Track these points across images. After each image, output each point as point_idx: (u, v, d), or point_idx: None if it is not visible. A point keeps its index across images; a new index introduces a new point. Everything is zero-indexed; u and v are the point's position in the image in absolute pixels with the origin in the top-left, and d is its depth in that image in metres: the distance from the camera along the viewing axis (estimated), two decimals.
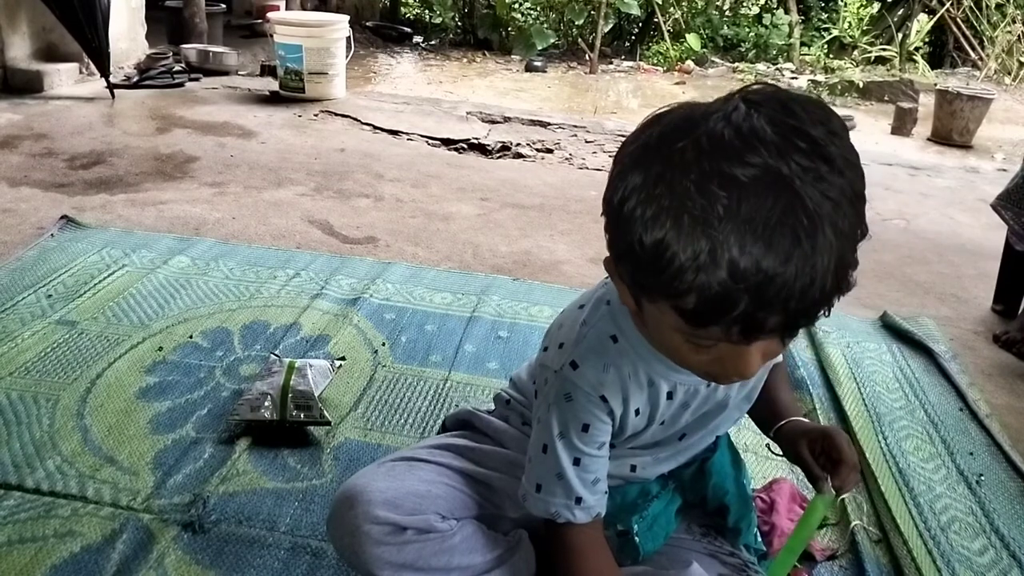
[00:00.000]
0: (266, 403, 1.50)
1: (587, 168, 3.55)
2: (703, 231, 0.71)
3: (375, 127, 3.92)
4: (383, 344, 1.87)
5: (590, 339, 0.96)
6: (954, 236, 3.11)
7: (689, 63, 7.10)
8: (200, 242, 2.36)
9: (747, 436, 1.58)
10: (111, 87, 3.96)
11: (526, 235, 2.71)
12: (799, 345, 2.01)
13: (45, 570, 1.16)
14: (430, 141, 3.79)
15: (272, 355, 1.72)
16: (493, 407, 1.25)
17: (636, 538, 1.09)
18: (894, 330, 2.16)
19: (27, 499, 1.30)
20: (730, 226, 0.70)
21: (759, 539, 1.22)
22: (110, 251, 2.23)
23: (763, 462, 1.53)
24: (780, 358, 1.17)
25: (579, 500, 0.98)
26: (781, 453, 1.10)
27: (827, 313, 0.77)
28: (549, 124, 4.25)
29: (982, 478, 1.56)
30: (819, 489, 1.03)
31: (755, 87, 0.77)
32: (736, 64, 7.17)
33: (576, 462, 0.97)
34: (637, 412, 0.99)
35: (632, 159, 0.77)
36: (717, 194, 0.70)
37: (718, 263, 0.70)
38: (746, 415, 1.20)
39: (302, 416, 1.50)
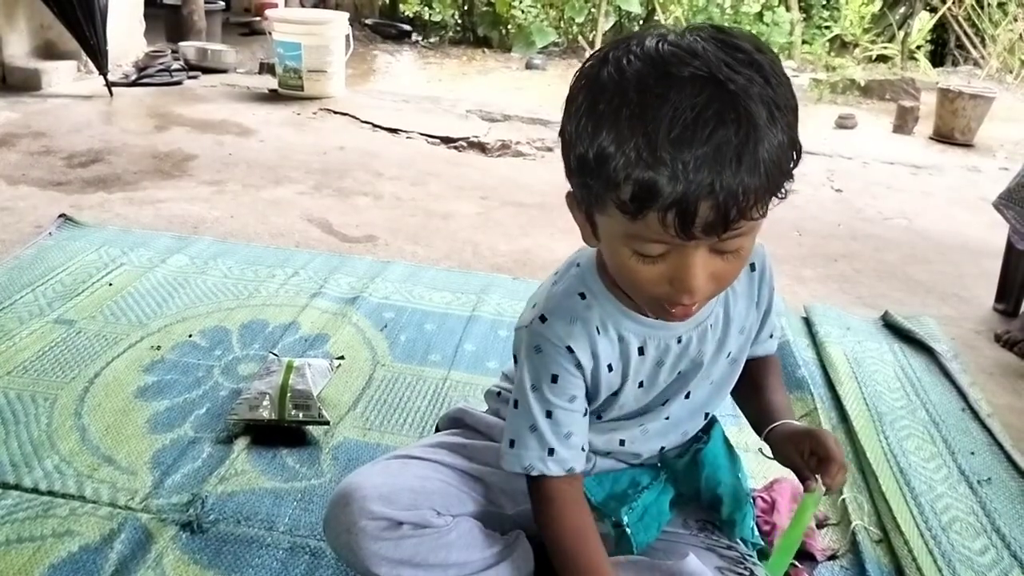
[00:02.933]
0: (264, 402, 1.50)
1: None
2: (638, 120, 0.76)
3: (374, 125, 3.91)
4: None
5: (558, 295, 1.00)
6: (956, 235, 3.11)
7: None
8: (198, 241, 2.35)
9: (748, 436, 1.57)
10: (109, 85, 3.96)
11: (526, 233, 2.70)
12: (800, 345, 2.01)
13: (43, 569, 1.16)
14: (430, 139, 3.78)
15: (271, 354, 1.71)
16: (487, 406, 1.25)
17: (628, 529, 1.09)
18: (895, 329, 2.15)
19: (25, 498, 1.30)
20: (661, 112, 0.75)
21: (756, 533, 1.21)
22: (108, 250, 2.22)
23: (764, 462, 1.51)
24: (773, 350, 1.18)
25: (551, 451, 0.99)
26: (772, 456, 1.11)
27: (763, 213, 0.80)
28: (549, 122, 4.24)
29: (988, 480, 1.56)
30: (808, 488, 1.04)
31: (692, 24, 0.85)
32: None
33: (548, 414, 0.99)
34: (610, 368, 1.00)
35: (579, 84, 0.84)
36: (652, 88, 0.76)
37: (651, 147, 0.75)
38: (749, 426, 1.20)
39: (301, 415, 1.49)
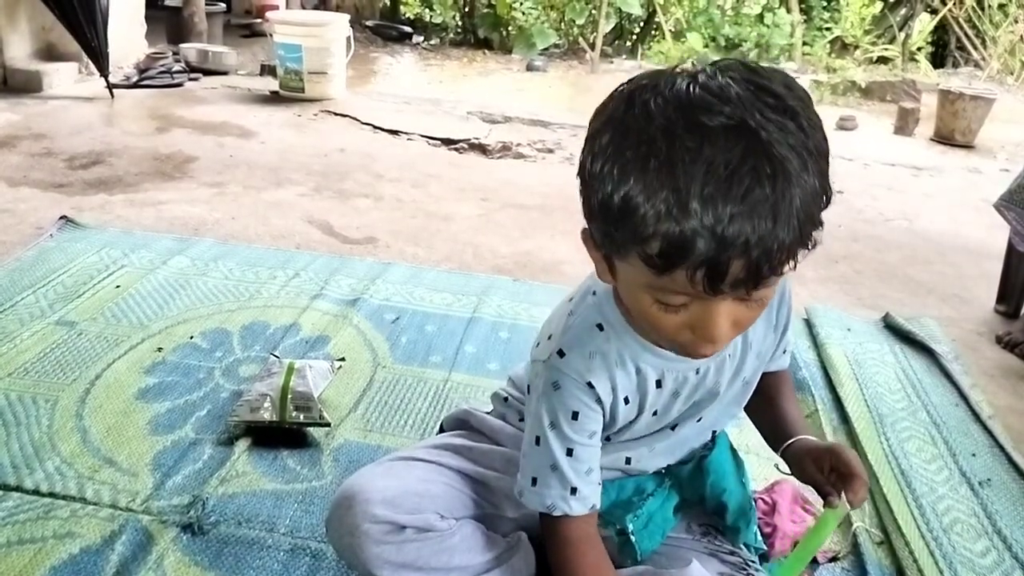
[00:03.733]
0: (265, 404, 1.50)
1: None
2: (668, 174, 0.73)
3: (375, 127, 3.92)
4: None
5: (576, 328, 0.97)
6: (957, 236, 3.11)
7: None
8: (199, 242, 2.35)
9: (749, 437, 1.57)
10: (110, 87, 3.96)
11: (527, 235, 2.70)
12: (801, 347, 2.00)
13: (44, 571, 1.16)
14: (430, 141, 3.78)
15: (271, 356, 1.71)
16: (491, 407, 1.24)
17: (632, 536, 1.09)
18: (896, 331, 2.15)
19: (26, 500, 1.30)
20: (694, 168, 0.72)
21: (759, 538, 1.21)
22: (109, 251, 2.22)
23: (765, 464, 1.52)
24: (786, 365, 1.17)
25: (574, 491, 0.98)
26: (790, 472, 1.10)
27: (793, 267, 0.78)
28: (550, 124, 4.24)
29: (989, 481, 1.55)
30: (830, 504, 1.02)
31: (722, 59, 0.80)
32: None
33: (569, 452, 0.97)
34: (627, 400, 0.99)
35: (602, 122, 0.80)
36: (683, 138, 0.73)
37: (681, 203, 0.72)
38: (754, 429, 1.20)
39: (302, 417, 1.49)
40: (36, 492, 1.32)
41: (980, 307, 2.44)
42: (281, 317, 1.95)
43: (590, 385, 0.96)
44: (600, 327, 0.97)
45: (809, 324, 2.14)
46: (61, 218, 2.42)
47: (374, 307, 2.03)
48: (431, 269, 2.32)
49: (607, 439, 1.06)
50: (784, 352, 1.16)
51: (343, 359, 1.77)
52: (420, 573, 1.02)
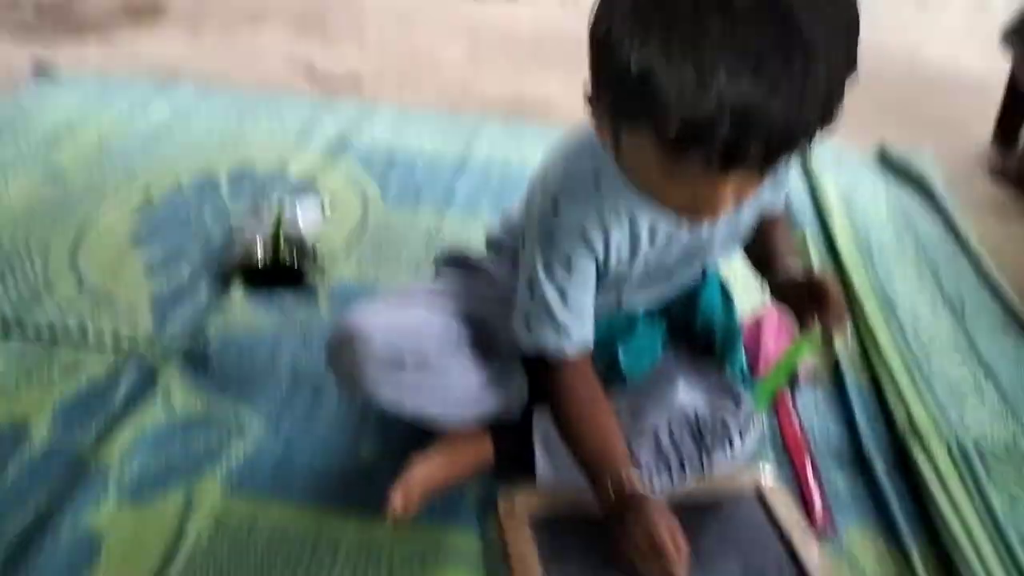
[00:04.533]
0: (258, 247, 1.50)
1: (583, 5, 3.40)
2: (692, 55, 0.69)
3: None
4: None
5: (571, 175, 0.96)
6: (959, 68, 3.03)
7: None
8: (180, 88, 2.28)
9: (738, 266, 1.60)
10: None
11: (518, 74, 2.63)
12: (793, 179, 2.00)
13: (54, 407, 1.20)
14: None
15: (261, 200, 1.71)
16: (485, 248, 1.25)
17: (621, 365, 1.13)
18: (891, 163, 2.14)
19: (29, 343, 1.33)
20: (720, 50, 0.69)
21: (744, 365, 1.25)
22: (88, 99, 2.16)
23: (752, 292, 1.55)
24: (781, 207, 1.17)
25: (568, 334, 1.00)
26: (772, 300, 1.12)
27: (809, 147, 0.77)
28: None
29: (973, 309, 1.59)
30: (806, 330, 1.05)
31: None
32: None
33: (562, 298, 0.99)
34: (620, 250, 1.00)
35: None
36: (710, 17, 0.69)
37: (705, 86, 0.69)
38: (739, 256, 1.21)
39: (295, 259, 1.50)
40: (38, 335, 1.34)
41: (976, 138, 2.41)
42: (268, 160, 1.93)
43: (584, 234, 0.96)
44: (595, 175, 0.95)
45: (802, 157, 2.12)
46: (35, 66, 2.34)
47: (362, 150, 2.01)
48: (419, 110, 2.27)
49: (597, 286, 1.07)
50: (782, 192, 1.16)
51: (333, 203, 1.76)
52: (419, 402, 1.06)
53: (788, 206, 1.84)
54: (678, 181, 0.81)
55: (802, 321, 1.05)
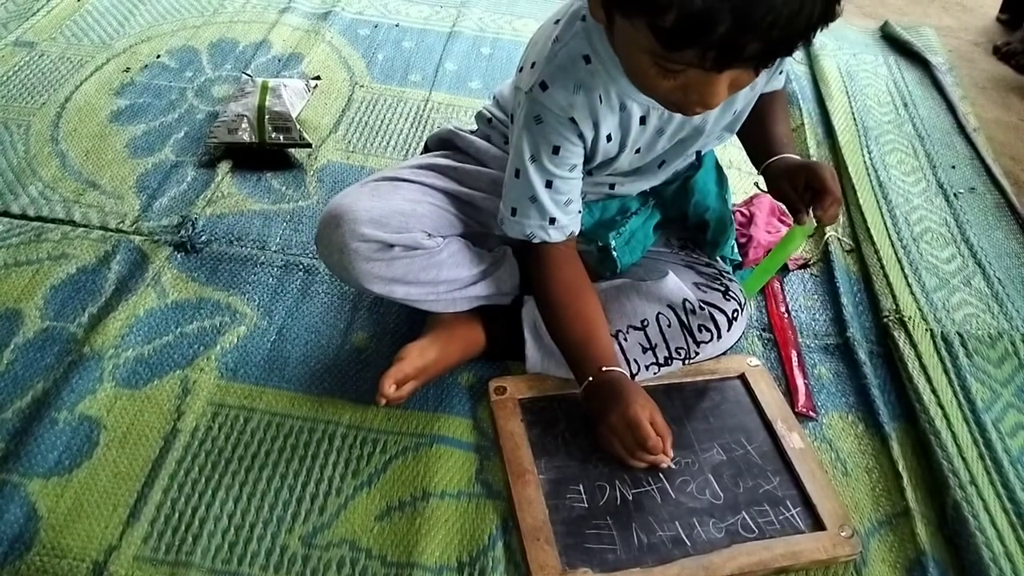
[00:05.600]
0: (243, 125, 1.46)
1: None
2: None
3: None
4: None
5: (561, 58, 0.93)
6: None
7: None
8: None
9: (732, 152, 1.57)
10: None
11: None
12: (793, 58, 1.94)
13: (45, 291, 1.20)
14: None
15: (244, 75, 1.65)
16: (476, 127, 1.22)
17: (614, 252, 1.13)
18: (893, 41, 2.08)
19: (15, 224, 1.31)
20: None
21: (735, 250, 1.26)
22: None
23: (745, 178, 1.54)
24: (780, 86, 1.14)
25: (553, 220, 1.00)
26: (767, 190, 1.10)
27: (807, 44, 0.75)
28: None
29: (964, 192, 1.58)
30: (799, 220, 1.04)
31: None
32: None
33: (548, 184, 0.98)
34: (609, 138, 0.98)
35: None
36: None
37: None
38: (737, 144, 1.19)
39: (281, 138, 1.47)
40: (24, 216, 1.32)
41: (982, 16, 2.34)
42: (250, 33, 1.85)
43: (572, 120, 0.94)
44: (587, 59, 0.92)
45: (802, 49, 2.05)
46: None
47: (347, 21, 1.93)
48: None
49: (588, 173, 1.05)
50: (781, 73, 1.12)
51: (318, 77, 1.70)
52: (410, 286, 1.05)
53: (786, 85, 1.80)
54: (671, 75, 0.79)
55: (796, 211, 1.05)
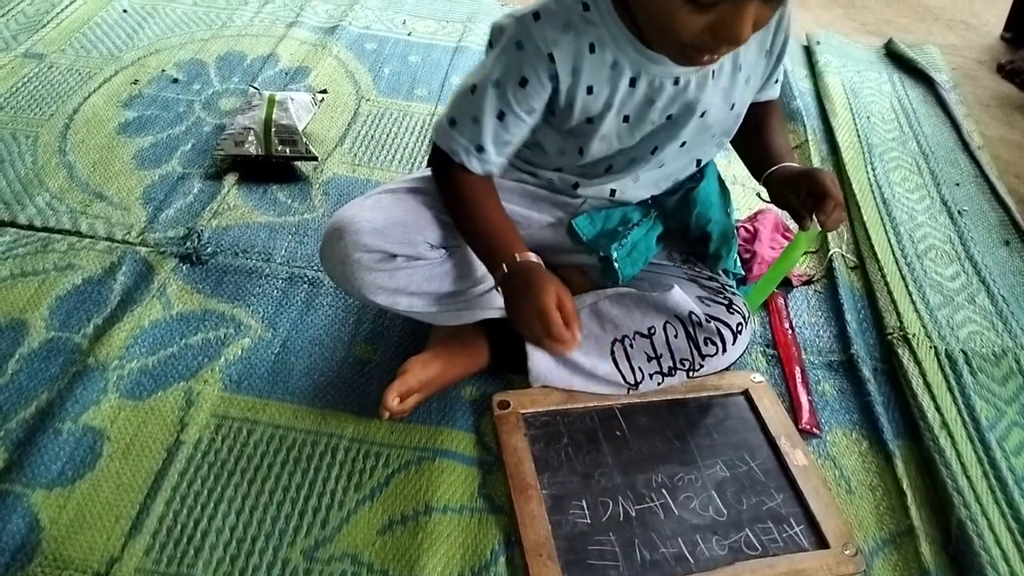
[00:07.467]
0: (250, 138, 1.47)
1: None
2: None
3: None
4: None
5: (560, 1, 0.94)
6: None
7: None
8: None
9: (736, 168, 1.58)
10: None
11: None
12: (798, 75, 1.95)
13: (51, 301, 1.20)
14: None
15: (251, 88, 1.66)
16: None
17: (616, 263, 1.13)
18: (897, 58, 2.09)
19: (22, 235, 1.31)
20: None
21: (738, 264, 1.26)
22: None
23: (749, 194, 1.54)
24: (776, 95, 1.14)
25: (480, 149, 0.99)
26: (770, 200, 1.10)
27: None
28: None
29: (968, 211, 1.59)
30: (803, 226, 1.04)
31: None
32: None
33: (500, 115, 0.97)
34: (590, 90, 0.97)
35: None
36: None
37: None
38: (738, 159, 1.19)
39: (287, 151, 1.48)
40: (31, 227, 1.33)
41: (986, 34, 2.35)
42: (257, 47, 1.86)
43: (551, 57, 0.94)
44: (585, 6, 0.93)
45: (808, 51, 2.06)
46: None
47: (354, 35, 1.94)
48: None
49: (580, 152, 1.05)
50: (776, 82, 1.13)
51: (325, 91, 1.71)
52: (413, 298, 1.06)
53: (789, 101, 1.81)
54: (704, 11, 0.80)
55: (799, 218, 1.04)
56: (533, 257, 0.99)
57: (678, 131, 1.04)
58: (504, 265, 0.98)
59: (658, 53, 0.94)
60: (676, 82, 0.98)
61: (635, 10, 0.89)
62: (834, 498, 1.02)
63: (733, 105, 1.05)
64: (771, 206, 1.21)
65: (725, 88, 1.02)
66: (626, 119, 1.01)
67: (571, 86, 0.96)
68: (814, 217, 1.03)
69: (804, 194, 1.03)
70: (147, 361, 1.12)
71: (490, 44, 1.00)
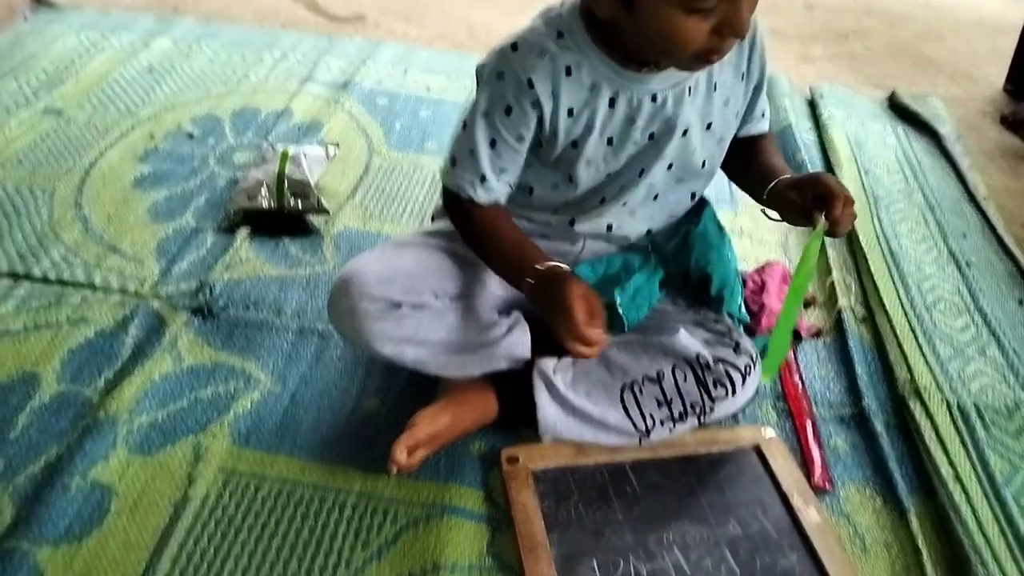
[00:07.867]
0: (262, 192, 1.49)
1: None
2: None
3: None
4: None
5: (535, 30, 1.00)
6: (972, 10, 2.95)
7: None
8: (180, 22, 2.24)
9: (743, 221, 1.59)
10: None
11: (523, 9, 2.54)
12: (802, 127, 1.97)
13: (63, 354, 1.21)
14: None
15: (265, 142, 1.69)
16: None
17: (620, 308, 1.13)
18: (901, 110, 2.11)
19: (37, 288, 1.33)
20: None
21: (743, 310, 1.25)
22: (88, 34, 2.12)
23: (757, 246, 1.55)
24: (766, 129, 1.16)
25: (483, 179, 1.03)
26: (778, 217, 1.06)
27: None
28: None
29: (976, 262, 1.59)
30: (813, 224, 0.98)
31: None
32: None
33: (492, 144, 1.01)
34: (571, 112, 1.00)
35: None
36: None
37: None
38: (747, 213, 1.20)
39: (300, 205, 1.50)
40: (45, 280, 1.34)
41: (989, 86, 2.37)
42: (271, 102, 1.90)
43: (530, 83, 0.97)
44: (560, 35, 0.98)
45: (813, 104, 2.09)
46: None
47: (366, 91, 1.97)
48: (423, 49, 2.23)
49: (569, 179, 1.06)
50: (763, 115, 1.15)
51: (337, 145, 1.74)
52: (420, 347, 1.06)
53: (794, 152, 1.83)
54: (705, 17, 0.85)
55: (809, 216, 0.99)
56: (556, 263, 1.01)
57: (661, 150, 1.05)
58: (528, 277, 1.00)
59: (629, 70, 0.98)
60: (654, 99, 1.01)
61: (631, 36, 0.93)
62: (849, 557, 1.00)
63: (710, 124, 1.06)
64: (778, 259, 1.21)
65: (701, 106, 1.04)
66: (610, 141, 1.04)
67: (553, 110, 0.99)
68: (823, 215, 0.97)
69: (810, 196, 0.99)
70: (157, 415, 1.12)
71: (478, 83, 1.04)
